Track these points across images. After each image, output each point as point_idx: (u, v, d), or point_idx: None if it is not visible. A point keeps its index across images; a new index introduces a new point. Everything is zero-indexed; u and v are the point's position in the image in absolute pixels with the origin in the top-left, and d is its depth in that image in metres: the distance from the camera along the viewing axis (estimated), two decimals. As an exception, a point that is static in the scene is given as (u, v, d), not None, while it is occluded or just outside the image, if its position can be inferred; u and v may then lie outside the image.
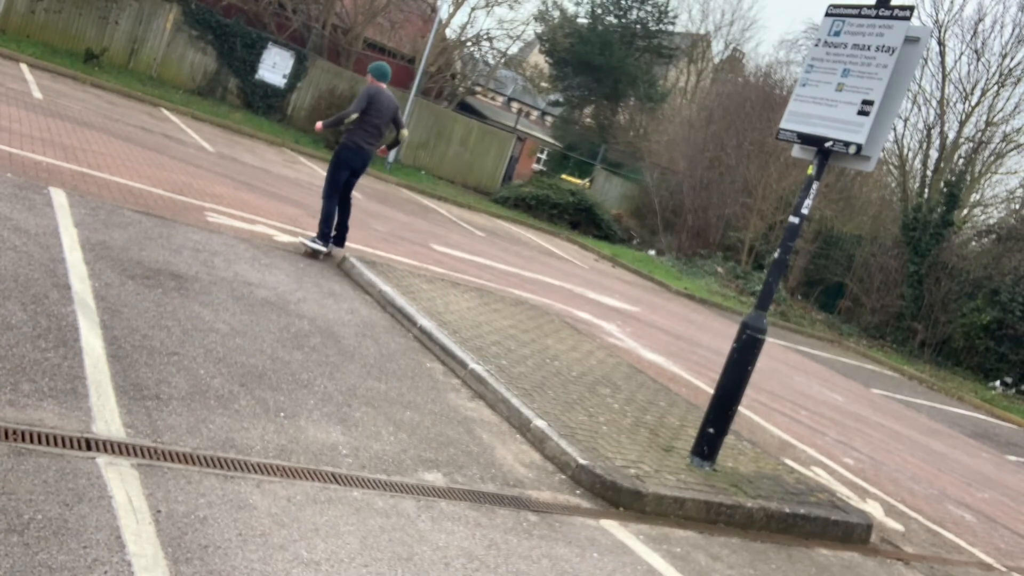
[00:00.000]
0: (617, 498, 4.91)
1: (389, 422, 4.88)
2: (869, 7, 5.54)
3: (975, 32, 25.26)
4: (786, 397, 10.61)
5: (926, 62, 25.03)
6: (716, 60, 42.58)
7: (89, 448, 3.44)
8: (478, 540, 3.86)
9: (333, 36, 24.00)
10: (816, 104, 5.69)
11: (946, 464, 10.16)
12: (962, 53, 28.35)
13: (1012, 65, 24.68)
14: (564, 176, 28.39)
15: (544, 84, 37.71)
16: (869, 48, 5.46)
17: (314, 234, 8.59)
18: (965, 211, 26.08)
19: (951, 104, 25.48)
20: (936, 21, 25.61)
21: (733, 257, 24.41)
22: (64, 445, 3.40)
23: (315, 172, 16.20)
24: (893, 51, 5.33)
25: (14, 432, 3.34)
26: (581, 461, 5.09)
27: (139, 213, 7.49)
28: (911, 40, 5.36)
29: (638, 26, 34.88)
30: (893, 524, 6.65)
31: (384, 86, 8.60)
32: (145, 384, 4.20)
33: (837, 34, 5.68)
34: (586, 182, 28.28)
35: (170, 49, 20.38)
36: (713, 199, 24.86)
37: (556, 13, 35.02)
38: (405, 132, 9.11)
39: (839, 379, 14.63)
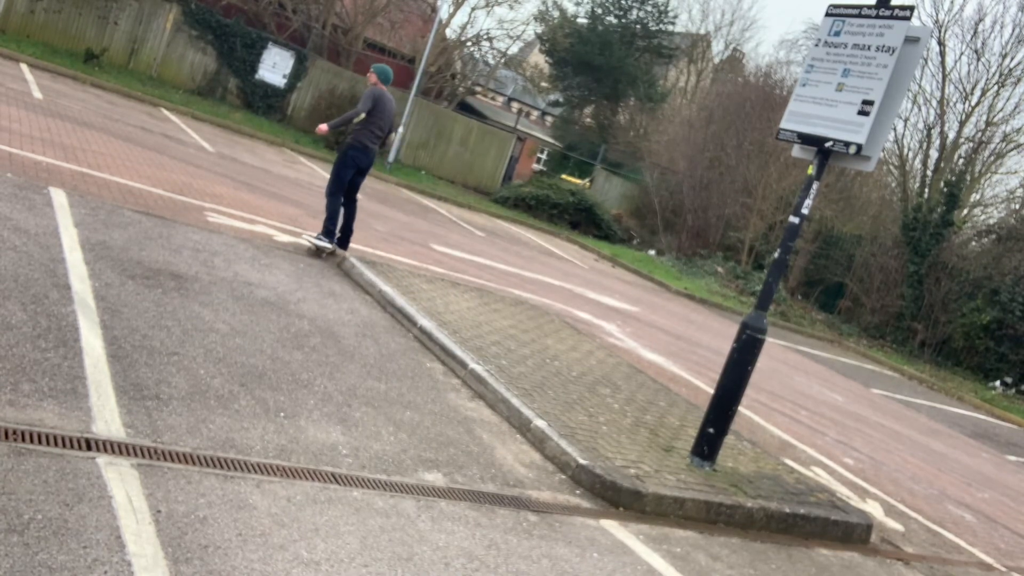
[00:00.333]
0: (617, 498, 4.91)
1: (389, 422, 4.88)
2: (869, 7, 5.54)
3: (975, 32, 25.28)
4: (786, 397, 10.61)
5: (926, 62, 25.04)
6: (716, 60, 42.58)
7: (89, 448, 3.44)
8: (478, 540, 3.86)
9: (333, 36, 24.00)
10: (816, 104, 5.69)
11: (946, 464, 10.16)
12: (962, 53, 28.37)
13: (1012, 65, 24.71)
14: (564, 176, 28.39)
15: (544, 84, 37.73)
16: (869, 48, 5.46)
17: (318, 232, 8.67)
18: (965, 211, 26.09)
19: (951, 104, 25.51)
20: (936, 21, 25.63)
21: (733, 257, 24.41)
22: (64, 445, 3.40)
23: (315, 172, 16.20)
24: (893, 51, 5.33)
25: (14, 432, 3.34)
26: (581, 461, 5.09)
27: (139, 213, 7.49)
28: (911, 40, 5.36)
29: (638, 26, 34.88)
30: (893, 524, 6.65)
31: (386, 88, 8.72)
32: (145, 384, 4.20)
33: (837, 34, 5.67)
34: (586, 182, 28.28)
35: (170, 49, 20.38)
36: (713, 199, 24.86)
37: (556, 13, 35.03)
38: (394, 135, 9.20)
39: (839, 379, 14.63)
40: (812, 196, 5.74)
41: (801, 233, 17.86)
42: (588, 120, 36.76)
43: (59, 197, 6.99)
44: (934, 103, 25.62)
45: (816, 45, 5.82)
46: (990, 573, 6.39)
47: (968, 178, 24.98)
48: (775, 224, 24.00)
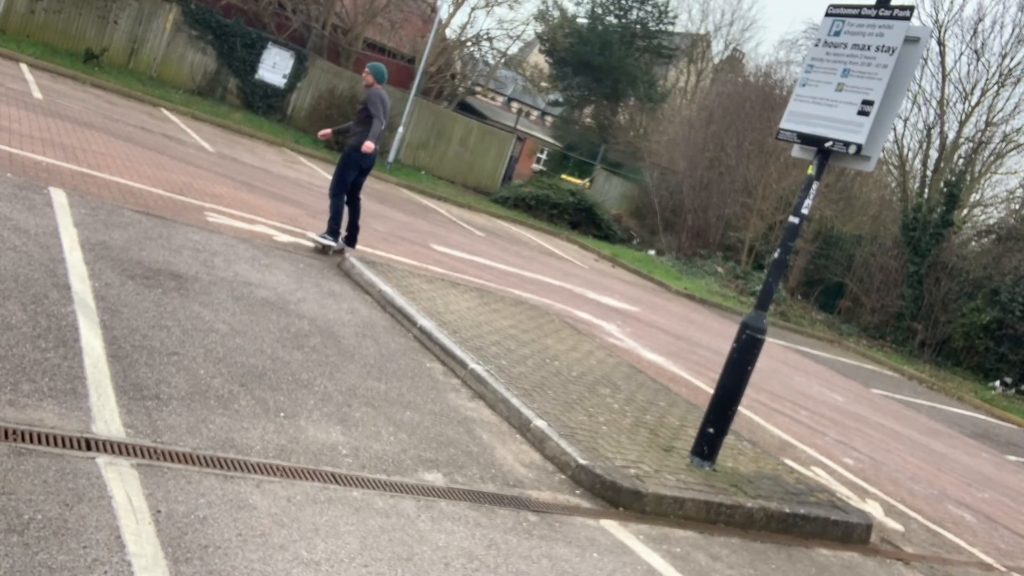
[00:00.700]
0: (617, 498, 4.91)
1: (389, 422, 4.88)
2: (869, 7, 5.54)
3: (975, 32, 25.27)
4: (786, 397, 10.61)
5: (926, 62, 25.04)
6: (716, 60, 42.56)
7: (89, 448, 3.44)
8: (478, 540, 3.86)
9: (333, 36, 24.00)
10: (816, 104, 5.69)
11: (946, 464, 10.16)
12: (962, 53, 28.38)
13: (1012, 65, 24.70)
14: (564, 176, 28.39)
15: (544, 84, 37.71)
16: (869, 48, 5.46)
17: (322, 231, 8.80)
18: (965, 211, 26.09)
19: (951, 104, 25.50)
20: (936, 21, 25.62)
21: (733, 257, 24.41)
22: (64, 445, 3.40)
23: (315, 172, 16.21)
24: (893, 51, 5.33)
25: (14, 432, 3.34)
26: (581, 461, 5.09)
27: (139, 213, 7.49)
28: (911, 40, 5.36)
29: (638, 26, 34.87)
30: (893, 524, 6.65)
31: (382, 87, 8.85)
32: (145, 384, 4.20)
33: (837, 34, 5.68)
34: (586, 182, 28.27)
35: (170, 49, 20.38)
36: (713, 199, 24.87)
37: (556, 13, 35.03)
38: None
39: (839, 379, 14.63)
40: (812, 196, 5.74)
41: (801, 233, 17.86)
42: (588, 120, 36.76)
43: (59, 197, 6.99)
44: (934, 103, 25.64)
45: (816, 45, 5.82)
46: (990, 573, 6.39)
47: (968, 178, 24.98)
48: (775, 224, 24.01)
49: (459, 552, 3.70)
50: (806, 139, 5.70)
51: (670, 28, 35.78)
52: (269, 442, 4.07)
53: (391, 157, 21.41)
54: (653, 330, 12.29)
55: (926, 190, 24.97)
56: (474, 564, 3.64)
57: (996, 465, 11.52)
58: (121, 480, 3.28)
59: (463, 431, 5.19)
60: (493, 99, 41.12)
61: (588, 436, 5.59)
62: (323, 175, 16.22)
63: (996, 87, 24.96)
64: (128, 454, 3.50)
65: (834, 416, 10.58)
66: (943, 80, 25.30)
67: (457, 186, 24.53)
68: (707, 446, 5.80)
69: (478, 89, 35.26)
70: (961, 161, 25.48)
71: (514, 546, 3.95)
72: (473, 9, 37.54)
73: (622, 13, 34.79)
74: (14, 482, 3.03)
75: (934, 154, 25.53)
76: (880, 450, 9.47)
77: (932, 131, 25.65)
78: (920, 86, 25.51)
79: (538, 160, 32.91)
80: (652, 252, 24.52)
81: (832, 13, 5.77)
